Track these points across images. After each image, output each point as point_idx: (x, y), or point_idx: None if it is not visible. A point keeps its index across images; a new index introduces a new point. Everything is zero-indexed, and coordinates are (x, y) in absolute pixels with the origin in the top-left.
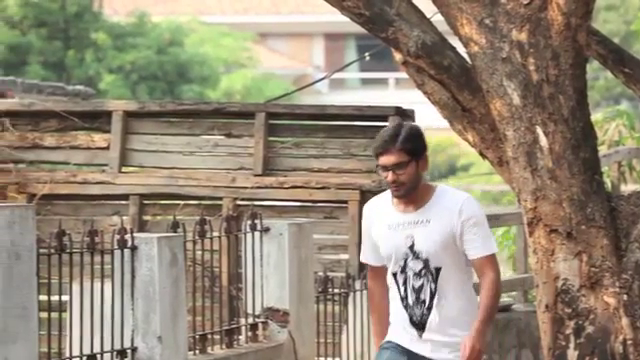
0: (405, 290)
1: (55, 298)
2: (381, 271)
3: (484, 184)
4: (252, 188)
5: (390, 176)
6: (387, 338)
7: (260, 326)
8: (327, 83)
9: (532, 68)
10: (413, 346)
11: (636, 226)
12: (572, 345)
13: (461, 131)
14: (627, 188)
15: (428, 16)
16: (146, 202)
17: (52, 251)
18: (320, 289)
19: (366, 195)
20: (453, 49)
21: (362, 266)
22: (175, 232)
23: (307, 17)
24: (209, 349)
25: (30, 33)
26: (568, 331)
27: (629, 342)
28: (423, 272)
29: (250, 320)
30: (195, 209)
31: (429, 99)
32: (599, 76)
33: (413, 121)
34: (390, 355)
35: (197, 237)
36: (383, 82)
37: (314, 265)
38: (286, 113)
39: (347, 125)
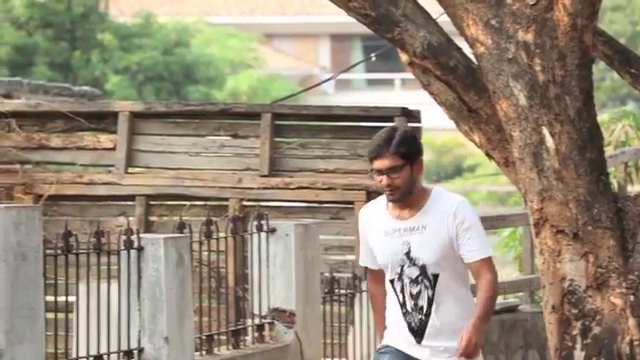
0: (403, 297)
1: (62, 299)
2: (381, 273)
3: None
4: (258, 189)
5: (384, 180)
6: (385, 342)
7: (266, 327)
8: (333, 84)
9: (538, 69)
10: (412, 350)
11: None
12: (579, 346)
13: (467, 132)
14: (633, 189)
15: (434, 17)
16: (152, 203)
17: (58, 252)
18: (326, 290)
19: (372, 196)
20: (459, 50)
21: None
22: (181, 233)
23: (313, 18)
24: (215, 350)
25: (36, 34)
26: (575, 332)
27: (636, 343)
28: (420, 279)
29: (256, 321)
30: (201, 210)
31: (435, 100)
32: (605, 77)
33: (419, 122)
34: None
35: (203, 238)
36: (389, 83)
37: (320, 266)
38: (292, 114)
39: (353, 126)
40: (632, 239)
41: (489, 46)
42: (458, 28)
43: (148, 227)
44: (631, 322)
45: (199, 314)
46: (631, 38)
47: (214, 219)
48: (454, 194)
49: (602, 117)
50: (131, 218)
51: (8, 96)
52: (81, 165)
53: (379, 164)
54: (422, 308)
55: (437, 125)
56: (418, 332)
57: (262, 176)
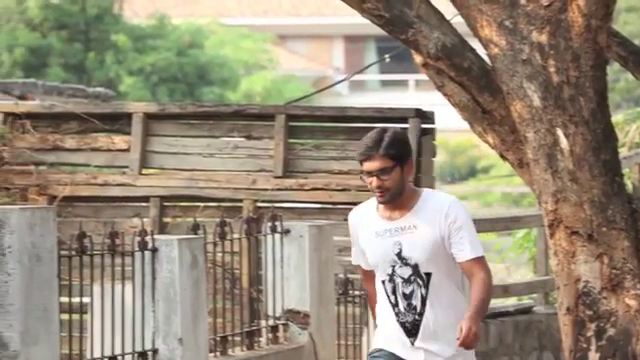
0: (395, 298)
1: (76, 300)
2: (374, 273)
3: (504, 186)
4: (272, 190)
5: (374, 182)
6: (378, 346)
7: (281, 328)
8: (347, 85)
9: (552, 70)
10: (406, 353)
11: None
12: (593, 347)
13: (481, 133)
14: None
15: (448, 18)
16: (166, 204)
17: (73, 253)
18: (340, 291)
19: None
20: (473, 51)
21: None
22: (195, 234)
23: (327, 19)
24: (230, 351)
25: (51, 35)
26: (589, 333)
27: None
28: (412, 278)
29: (271, 322)
30: (215, 211)
31: (449, 101)
32: (619, 78)
33: (433, 123)
34: None
35: (217, 239)
36: (403, 84)
37: (334, 267)
38: (306, 115)
39: (367, 127)
40: None
41: (503, 47)
42: (472, 29)
43: (162, 228)
44: None
45: (213, 315)
46: None
47: (228, 220)
48: (445, 194)
49: (616, 118)
50: (145, 219)
51: (23, 97)
52: (95, 166)
53: (369, 166)
54: (415, 308)
55: (451, 126)
56: (412, 332)
57: (276, 177)
